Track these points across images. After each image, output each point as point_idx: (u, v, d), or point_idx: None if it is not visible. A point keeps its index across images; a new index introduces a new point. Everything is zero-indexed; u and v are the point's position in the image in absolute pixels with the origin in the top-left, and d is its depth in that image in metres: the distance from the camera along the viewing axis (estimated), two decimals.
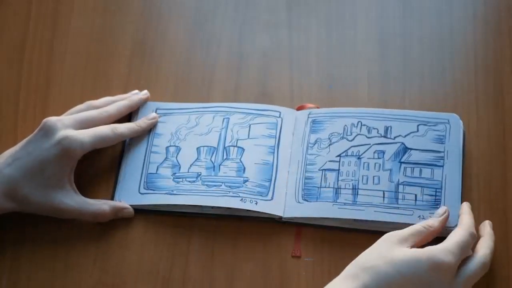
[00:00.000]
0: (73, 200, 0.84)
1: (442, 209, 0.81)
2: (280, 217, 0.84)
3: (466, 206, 0.82)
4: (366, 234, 0.83)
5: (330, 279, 0.76)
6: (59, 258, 0.85)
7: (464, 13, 0.94)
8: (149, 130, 0.90)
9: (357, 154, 0.86)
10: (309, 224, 0.84)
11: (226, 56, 0.94)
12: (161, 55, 0.95)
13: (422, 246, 0.77)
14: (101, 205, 0.85)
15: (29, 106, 0.93)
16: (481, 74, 0.91)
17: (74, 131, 0.84)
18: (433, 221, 0.80)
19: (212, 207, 0.85)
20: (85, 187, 0.87)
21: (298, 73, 0.93)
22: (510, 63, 0.91)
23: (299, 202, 0.84)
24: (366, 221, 0.83)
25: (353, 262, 0.75)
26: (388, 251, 0.75)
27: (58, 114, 0.87)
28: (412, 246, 0.76)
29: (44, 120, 0.84)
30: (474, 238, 0.78)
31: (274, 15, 0.96)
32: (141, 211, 0.86)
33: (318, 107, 0.90)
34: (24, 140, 0.84)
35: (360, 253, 0.76)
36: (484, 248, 0.79)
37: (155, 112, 0.90)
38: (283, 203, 0.85)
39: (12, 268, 0.85)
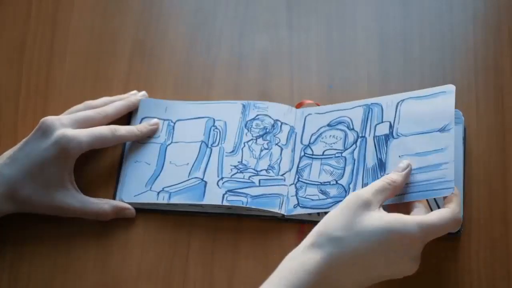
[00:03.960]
0: (74, 199, 0.84)
1: (404, 163, 0.80)
2: (283, 215, 0.84)
3: (457, 191, 0.79)
4: None
5: None
6: (59, 258, 0.85)
7: (464, 13, 0.94)
8: (149, 135, 0.89)
9: (353, 148, 0.86)
10: (312, 221, 0.84)
11: (226, 56, 0.94)
12: (161, 55, 0.95)
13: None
14: (103, 204, 0.85)
15: (29, 106, 0.93)
16: (481, 74, 0.91)
17: (72, 131, 0.83)
18: (396, 175, 0.79)
19: (214, 206, 0.85)
20: (87, 186, 0.87)
21: (298, 73, 0.93)
22: (510, 63, 0.91)
23: (299, 199, 0.85)
24: None
25: (317, 229, 0.73)
26: (355, 220, 0.73)
27: (58, 114, 0.88)
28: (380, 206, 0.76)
29: (42, 119, 0.84)
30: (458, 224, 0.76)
31: (274, 15, 0.96)
32: (141, 210, 0.86)
33: (317, 103, 0.90)
34: (23, 141, 0.84)
35: None
36: (453, 203, 0.77)
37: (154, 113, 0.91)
38: (285, 201, 0.85)
39: (12, 267, 0.85)
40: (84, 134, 0.84)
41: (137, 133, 0.88)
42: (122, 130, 0.87)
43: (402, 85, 0.91)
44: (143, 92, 0.92)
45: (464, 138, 0.86)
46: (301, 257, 0.72)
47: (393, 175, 0.79)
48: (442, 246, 0.82)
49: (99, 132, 0.85)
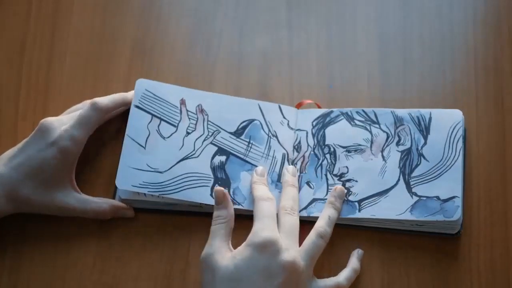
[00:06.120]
0: (74, 198, 0.84)
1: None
2: None
3: None
4: (366, 230, 0.84)
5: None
6: (59, 258, 0.85)
7: (464, 13, 0.94)
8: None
9: (358, 151, 0.86)
10: (312, 221, 0.84)
11: (226, 56, 0.94)
12: (161, 55, 0.95)
13: None
14: (102, 203, 0.85)
15: (29, 106, 0.93)
16: (481, 74, 0.91)
17: (67, 129, 0.83)
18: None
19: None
20: (87, 186, 0.87)
21: (298, 73, 0.93)
22: (510, 63, 0.91)
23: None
24: (367, 219, 0.83)
25: None
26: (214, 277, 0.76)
27: (58, 114, 0.88)
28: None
29: (41, 120, 0.84)
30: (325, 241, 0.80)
31: (274, 15, 0.96)
32: (141, 210, 0.86)
33: (316, 103, 0.90)
34: (23, 141, 0.84)
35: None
36: (341, 276, 0.81)
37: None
38: None
39: (12, 267, 0.85)
40: (74, 128, 0.83)
41: (121, 97, 0.88)
42: (104, 101, 0.86)
43: (402, 85, 0.91)
44: None
45: (464, 138, 0.86)
46: None
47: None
48: (442, 246, 0.82)
49: (83, 116, 0.84)
